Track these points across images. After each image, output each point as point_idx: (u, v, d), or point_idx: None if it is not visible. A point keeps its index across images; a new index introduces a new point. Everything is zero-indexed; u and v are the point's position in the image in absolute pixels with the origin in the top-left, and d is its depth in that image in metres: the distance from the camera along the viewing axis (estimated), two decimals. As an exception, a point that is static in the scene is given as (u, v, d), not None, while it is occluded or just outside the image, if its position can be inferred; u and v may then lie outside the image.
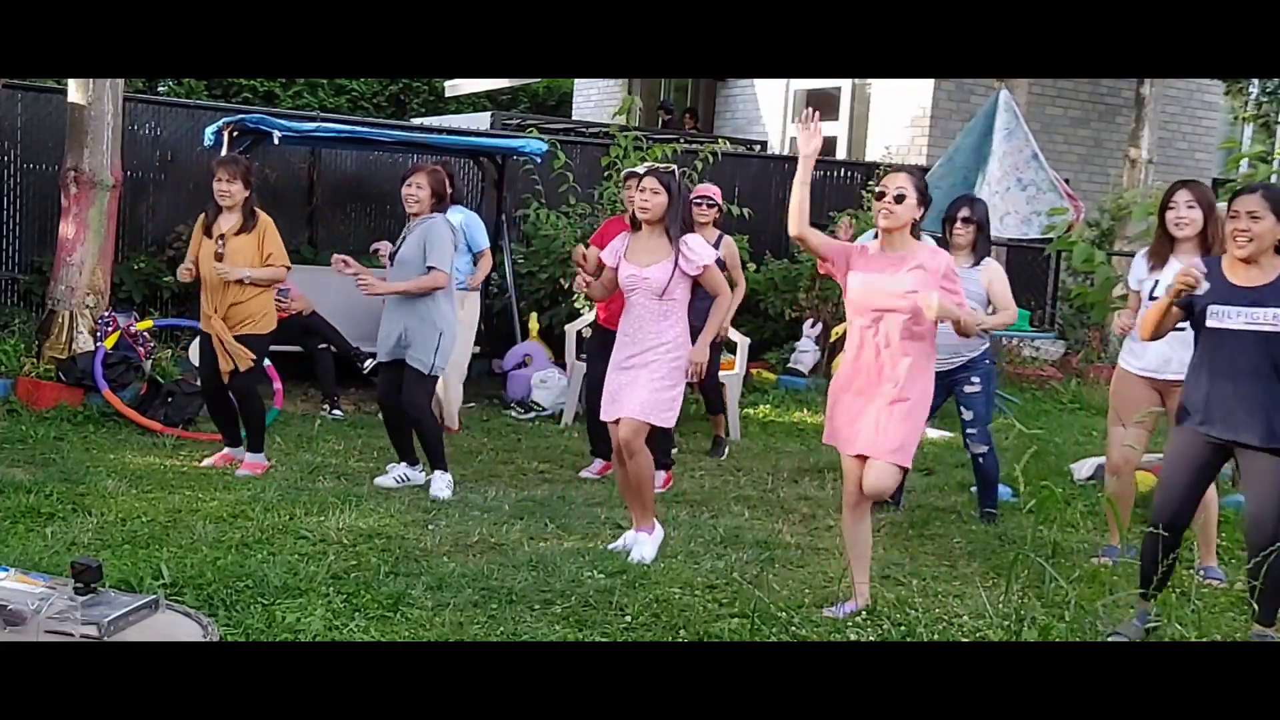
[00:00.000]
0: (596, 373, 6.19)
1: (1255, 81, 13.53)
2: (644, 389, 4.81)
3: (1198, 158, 14.00)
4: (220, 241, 5.86)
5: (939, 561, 5.19)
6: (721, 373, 7.45)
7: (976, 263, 5.69)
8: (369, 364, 7.91)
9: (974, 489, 6.19)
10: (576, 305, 8.51)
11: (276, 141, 7.65)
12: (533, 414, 8.04)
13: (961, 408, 5.77)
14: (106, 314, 7.37)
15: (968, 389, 5.70)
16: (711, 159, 9.27)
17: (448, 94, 17.49)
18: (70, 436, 6.48)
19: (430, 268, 5.71)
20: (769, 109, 14.04)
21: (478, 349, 7.89)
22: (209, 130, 7.93)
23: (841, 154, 13.21)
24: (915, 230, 4.51)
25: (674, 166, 5.17)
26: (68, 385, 6.99)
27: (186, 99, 13.19)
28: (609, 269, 5.05)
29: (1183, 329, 4.32)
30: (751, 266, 9.46)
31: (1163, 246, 4.97)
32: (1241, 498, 6.17)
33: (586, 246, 5.90)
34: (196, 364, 7.37)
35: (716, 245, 6.05)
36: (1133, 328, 5.01)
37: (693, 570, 4.78)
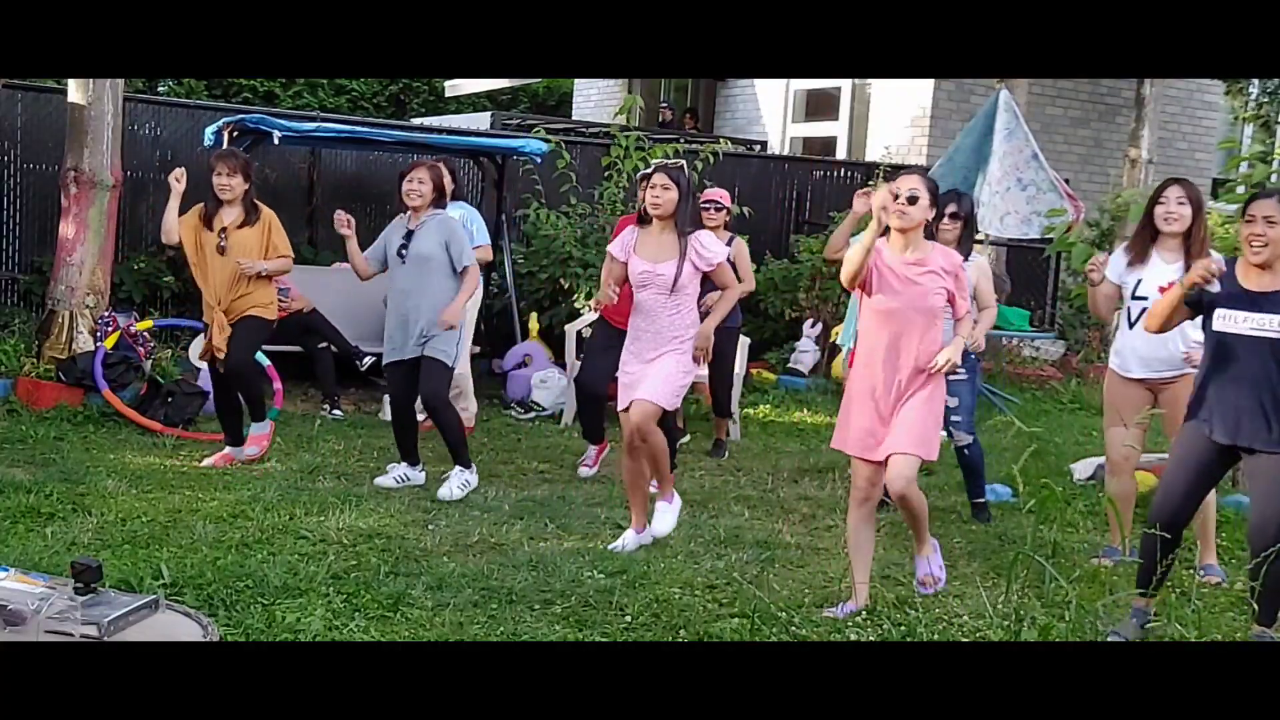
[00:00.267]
0: (594, 363, 6.20)
1: (1255, 81, 13.52)
2: (657, 376, 4.93)
3: (1198, 158, 13.99)
4: (223, 234, 5.87)
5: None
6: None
7: (964, 258, 5.68)
8: (367, 361, 7.93)
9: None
10: (576, 305, 8.51)
11: (276, 141, 7.66)
12: (533, 414, 8.04)
13: (947, 396, 5.76)
14: (106, 314, 7.37)
15: (953, 377, 5.66)
16: (712, 159, 9.27)
17: (448, 94, 17.48)
18: (70, 436, 6.48)
19: (465, 268, 5.78)
20: (769, 109, 14.04)
21: (476, 348, 7.89)
22: (209, 130, 7.93)
23: (841, 154, 13.21)
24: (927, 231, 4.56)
25: (683, 162, 5.19)
26: (68, 385, 6.99)
27: (186, 99, 13.18)
28: (617, 264, 5.10)
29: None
30: (751, 266, 9.45)
31: (1143, 241, 4.97)
32: (1242, 498, 6.20)
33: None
34: (197, 364, 7.40)
35: (728, 246, 6.08)
36: (1102, 269, 5.00)
37: (693, 570, 4.78)
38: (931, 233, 5.55)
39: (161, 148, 9.00)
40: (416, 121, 15.09)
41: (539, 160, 8.72)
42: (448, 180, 6.06)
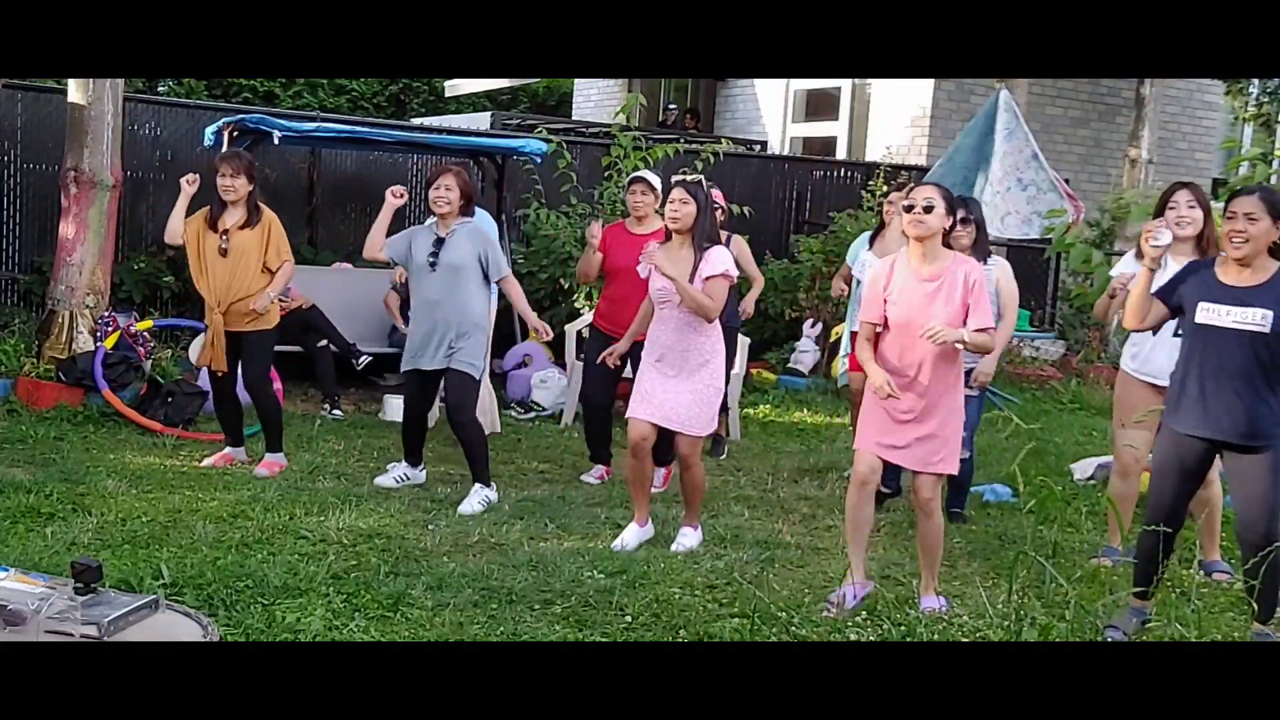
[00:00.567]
0: (594, 373, 6.21)
1: (1255, 81, 13.52)
2: (694, 403, 5.00)
3: (1198, 158, 14.00)
4: (225, 237, 5.86)
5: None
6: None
7: (982, 261, 5.69)
8: (364, 360, 7.92)
9: (972, 488, 6.18)
10: (576, 305, 8.51)
11: (276, 141, 7.65)
12: (533, 414, 8.04)
13: None
14: (106, 314, 7.37)
15: (965, 392, 5.69)
16: (712, 159, 9.27)
17: (448, 94, 17.48)
18: (70, 436, 6.48)
19: (502, 278, 5.76)
20: (769, 109, 14.04)
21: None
22: (209, 130, 7.93)
23: (841, 154, 13.21)
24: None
25: (701, 177, 5.22)
26: (68, 385, 6.99)
27: (186, 99, 13.19)
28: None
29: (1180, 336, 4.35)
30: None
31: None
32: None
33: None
34: (196, 364, 7.40)
35: (726, 244, 6.09)
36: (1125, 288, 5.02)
37: (693, 570, 4.78)
38: (945, 241, 5.58)
39: (161, 148, 9.00)
40: (416, 121, 15.10)
41: (539, 160, 8.72)
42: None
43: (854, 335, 6.38)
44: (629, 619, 4.19)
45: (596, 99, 15.93)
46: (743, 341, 8.10)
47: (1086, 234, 9.62)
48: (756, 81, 14.11)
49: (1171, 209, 4.91)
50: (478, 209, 7.02)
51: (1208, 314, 4.09)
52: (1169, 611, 4.22)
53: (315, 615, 3.94)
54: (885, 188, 9.48)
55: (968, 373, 5.61)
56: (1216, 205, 4.94)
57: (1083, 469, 6.92)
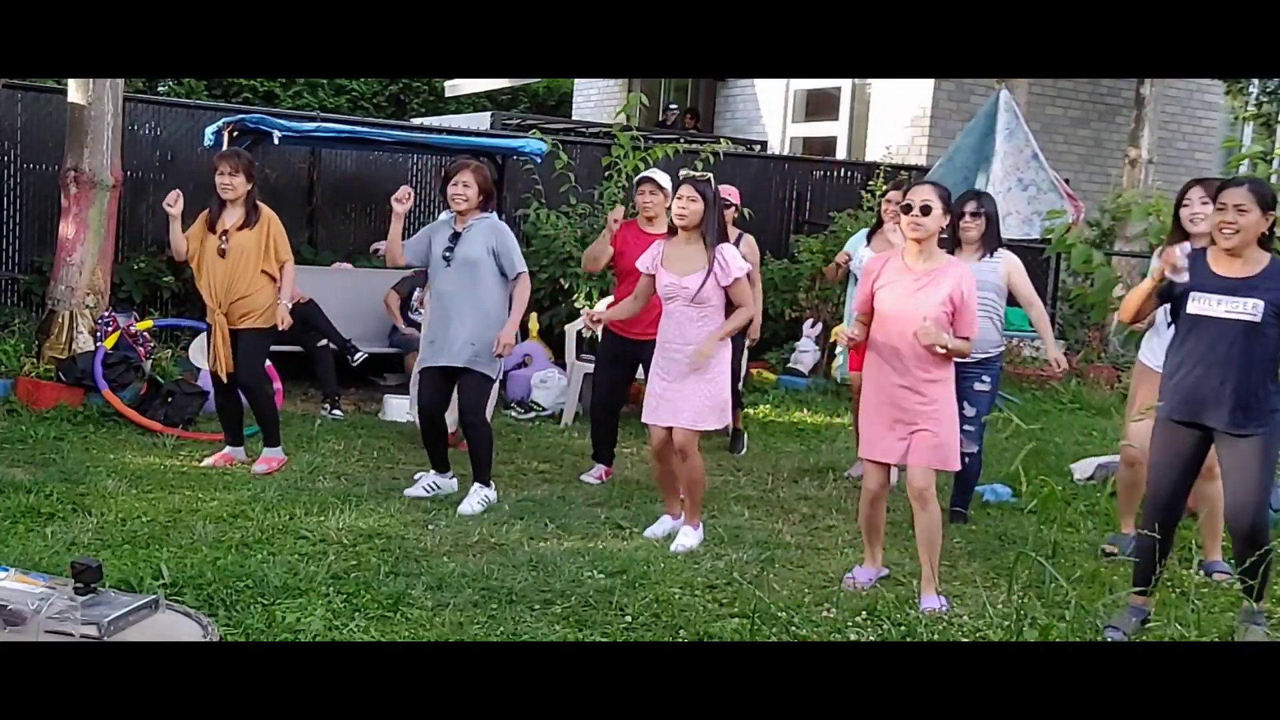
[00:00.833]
0: (604, 378, 6.22)
1: (1255, 81, 13.52)
2: (696, 398, 5.05)
3: (1198, 158, 13.99)
4: (224, 237, 5.85)
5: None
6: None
7: (989, 254, 5.70)
8: (359, 358, 7.92)
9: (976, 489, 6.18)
10: (576, 305, 8.51)
11: (276, 141, 7.65)
12: (533, 414, 8.04)
13: (965, 403, 5.77)
14: (106, 314, 7.37)
15: (977, 386, 5.72)
16: (712, 159, 9.27)
17: (448, 94, 17.48)
18: (70, 436, 6.48)
19: (519, 275, 5.63)
20: (769, 109, 14.04)
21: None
22: (209, 130, 7.93)
23: (841, 154, 13.21)
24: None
25: (709, 175, 5.23)
26: (68, 385, 6.99)
27: (186, 99, 13.19)
28: (644, 276, 5.26)
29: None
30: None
31: (1175, 243, 5.03)
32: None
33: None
34: (197, 364, 7.40)
35: (737, 243, 6.13)
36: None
37: (693, 570, 4.78)
38: (955, 232, 5.63)
39: (161, 148, 9.00)
40: (416, 121, 15.10)
41: (539, 160, 8.72)
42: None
43: (853, 353, 6.40)
44: (629, 619, 4.19)
45: (596, 99, 15.93)
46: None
47: (1086, 234, 9.62)
48: (756, 81, 14.11)
49: (1185, 206, 4.95)
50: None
51: (1199, 304, 4.16)
52: (1169, 611, 4.23)
53: (315, 615, 3.94)
54: (885, 187, 9.48)
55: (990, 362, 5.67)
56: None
57: (1083, 469, 6.92)
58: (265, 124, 7.67)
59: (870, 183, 10.53)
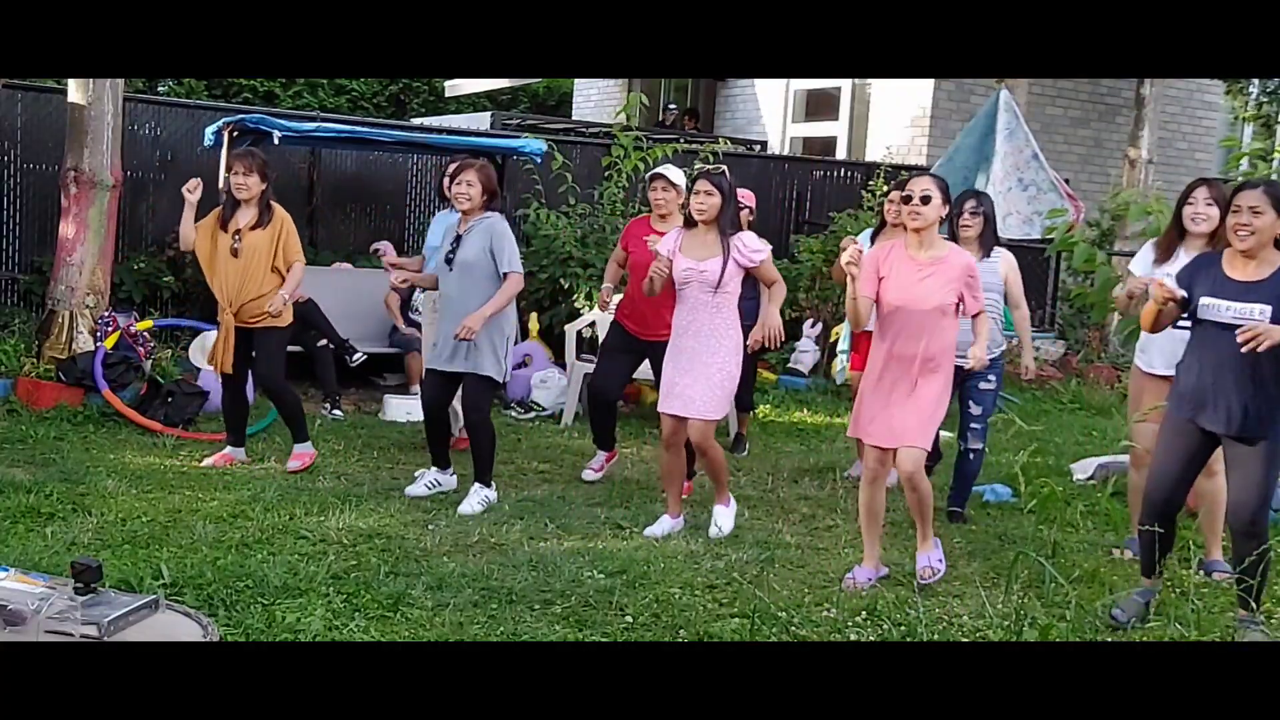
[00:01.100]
0: (606, 366, 6.20)
1: (1255, 81, 13.52)
2: (706, 387, 5.13)
3: (1198, 158, 14.00)
4: (236, 236, 5.85)
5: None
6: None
7: (987, 254, 5.74)
8: (358, 358, 7.92)
9: (973, 488, 6.18)
10: (576, 305, 8.51)
11: (276, 141, 7.65)
12: (533, 414, 8.04)
13: (970, 402, 5.80)
14: (106, 314, 7.37)
15: (982, 385, 5.76)
16: (711, 159, 9.27)
17: (448, 94, 17.48)
18: (70, 436, 6.48)
19: (506, 274, 5.53)
20: (769, 109, 14.04)
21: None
22: (209, 130, 7.93)
23: (841, 154, 13.21)
24: None
25: (723, 167, 5.31)
26: (68, 385, 6.99)
27: (186, 99, 13.19)
28: (662, 260, 5.31)
29: (1185, 328, 4.38)
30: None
31: (1171, 240, 5.04)
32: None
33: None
34: (197, 364, 7.40)
35: None
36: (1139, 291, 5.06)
37: (693, 570, 4.78)
38: (953, 230, 5.67)
39: (161, 148, 9.00)
40: (416, 121, 15.10)
41: (539, 160, 8.72)
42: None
43: (855, 335, 6.40)
44: (629, 619, 4.19)
45: (596, 99, 15.93)
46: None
47: (1087, 234, 9.62)
48: (756, 81, 14.11)
49: (1189, 205, 4.95)
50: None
51: (1209, 309, 4.17)
52: (1169, 611, 4.23)
53: (315, 615, 3.94)
54: (885, 187, 9.48)
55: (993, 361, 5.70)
56: None
57: (1083, 469, 6.92)
58: (265, 124, 7.67)
59: (870, 183, 10.53)
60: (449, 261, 5.60)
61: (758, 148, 13.37)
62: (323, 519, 5.18)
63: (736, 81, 14.48)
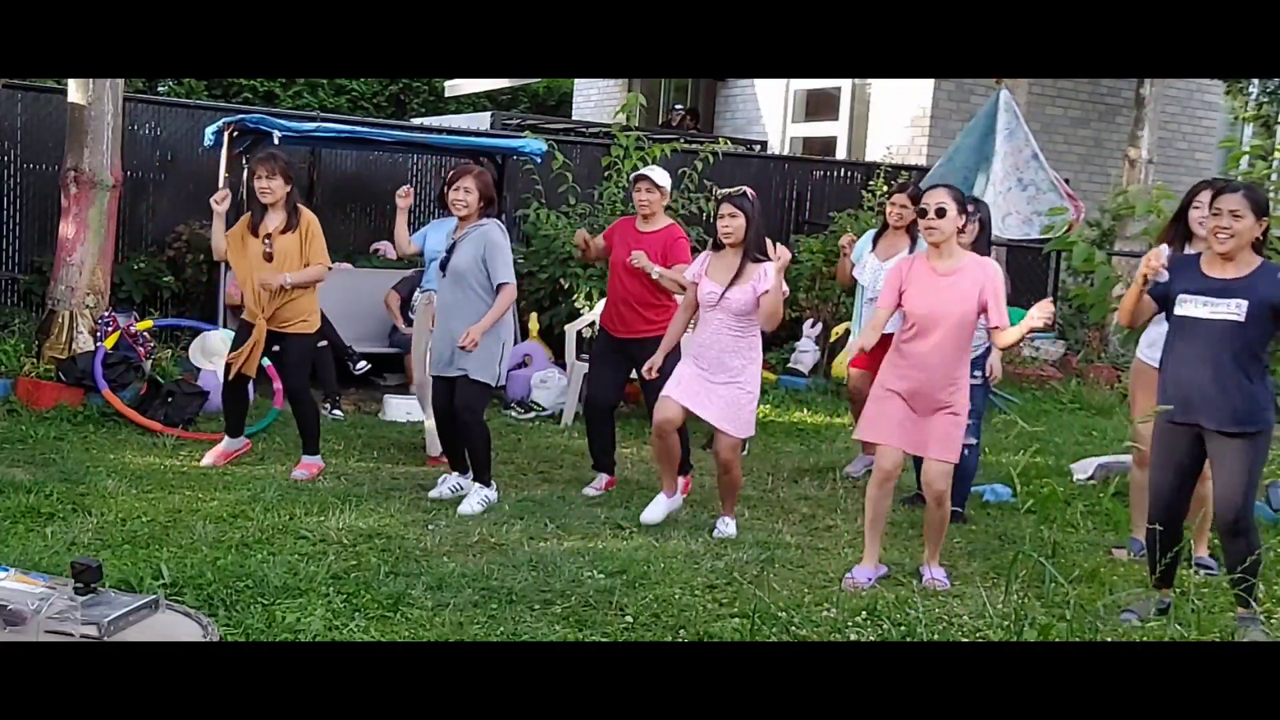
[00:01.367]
0: (598, 374, 6.20)
1: (1255, 81, 13.52)
2: (727, 405, 5.23)
3: (1198, 158, 13.99)
4: (267, 241, 5.84)
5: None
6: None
7: None
8: (362, 366, 7.92)
9: (972, 488, 6.18)
10: (576, 305, 8.52)
11: (276, 141, 7.65)
12: (533, 414, 8.04)
13: None
14: (106, 314, 7.36)
15: (970, 382, 5.73)
16: (711, 159, 9.27)
17: (448, 94, 17.48)
18: (70, 436, 6.48)
19: (500, 285, 5.54)
20: (769, 109, 14.04)
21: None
22: (209, 130, 7.93)
23: (841, 154, 13.21)
24: (913, 229, 4.78)
25: (745, 189, 5.33)
26: (68, 385, 6.99)
27: (186, 99, 13.19)
28: (689, 285, 5.40)
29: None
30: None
31: (1173, 238, 5.05)
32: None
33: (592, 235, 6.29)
34: (197, 364, 7.40)
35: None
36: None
37: (693, 570, 4.78)
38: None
39: (161, 148, 9.00)
40: (416, 121, 15.10)
41: (539, 160, 8.72)
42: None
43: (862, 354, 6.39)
44: (629, 619, 4.19)
45: (596, 99, 15.93)
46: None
47: (1087, 234, 9.61)
48: (756, 81, 14.10)
49: (1195, 208, 4.95)
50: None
51: (1187, 306, 4.27)
52: (1169, 611, 4.22)
53: (315, 615, 3.94)
54: (886, 188, 9.48)
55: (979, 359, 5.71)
56: None
57: (1083, 469, 6.92)
58: (265, 124, 7.67)
59: (870, 183, 10.53)
60: (444, 270, 5.64)
61: (758, 148, 13.36)
62: (323, 519, 5.18)
63: (736, 81, 14.48)
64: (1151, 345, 5.19)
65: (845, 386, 8.99)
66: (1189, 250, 4.97)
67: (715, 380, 5.22)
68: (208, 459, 6.12)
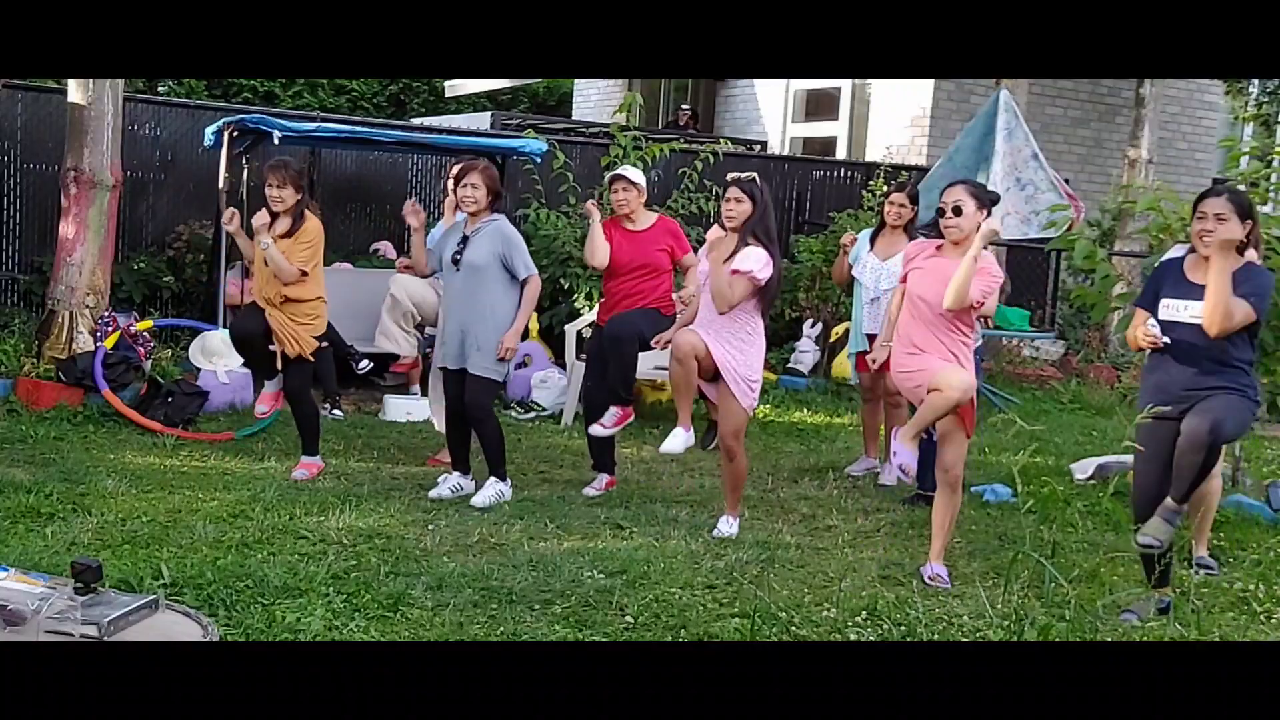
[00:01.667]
0: (594, 371, 6.18)
1: (1255, 81, 13.52)
2: (741, 370, 5.25)
3: (1198, 158, 13.99)
4: (266, 245, 5.90)
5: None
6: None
7: None
8: (364, 366, 7.91)
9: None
10: (576, 305, 8.51)
11: (276, 141, 7.65)
12: (533, 414, 8.05)
13: None
14: (106, 314, 7.37)
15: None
16: (711, 159, 9.27)
17: (448, 94, 17.48)
18: (70, 436, 6.48)
19: (526, 279, 5.64)
20: (769, 109, 14.04)
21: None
22: (209, 130, 7.93)
23: (841, 154, 13.21)
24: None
25: (755, 175, 5.28)
26: (68, 385, 6.99)
27: (186, 99, 13.19)
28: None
29: None
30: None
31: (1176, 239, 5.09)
32: (1242, 498, 6.21)
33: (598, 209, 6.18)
34: (197, 364, 7.40)
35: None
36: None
37: (693, 570, 4.78)
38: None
39: (161, 148, 9.00)
40: (416, 121, 15.10)
41: (539, 160, 8.72)
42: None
43: (869, 337, 6.39)
44: (629, 619, 4.20)
45: (596, 99, 15.93)
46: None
47: (1087, 234, 9.61)
48: (756, 81, 14.11)
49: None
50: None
51: (1168, 310, 4.34)
52: (1169, 611, 4.23)
53: (315, 615, 3.94)
54: (886, 188, 9.48)
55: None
56: None
57: (1083, 469, 6.92)
58: (265, 124, 7.67)
59: (870, 183, 10.53)
60: (455, 263, 5.62)
61: (758, 148, 13.36)
62: (323, 519, 5.18)
63: (736, 81, 14.48)
64: None
65: (845, 386, 9.03)
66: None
67: (721, 352, 5.23)
68: (261, 406, 6.20)
